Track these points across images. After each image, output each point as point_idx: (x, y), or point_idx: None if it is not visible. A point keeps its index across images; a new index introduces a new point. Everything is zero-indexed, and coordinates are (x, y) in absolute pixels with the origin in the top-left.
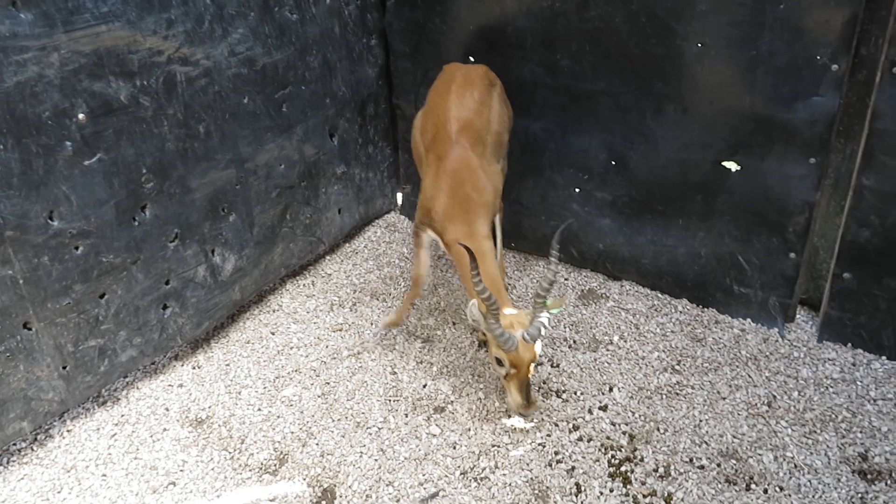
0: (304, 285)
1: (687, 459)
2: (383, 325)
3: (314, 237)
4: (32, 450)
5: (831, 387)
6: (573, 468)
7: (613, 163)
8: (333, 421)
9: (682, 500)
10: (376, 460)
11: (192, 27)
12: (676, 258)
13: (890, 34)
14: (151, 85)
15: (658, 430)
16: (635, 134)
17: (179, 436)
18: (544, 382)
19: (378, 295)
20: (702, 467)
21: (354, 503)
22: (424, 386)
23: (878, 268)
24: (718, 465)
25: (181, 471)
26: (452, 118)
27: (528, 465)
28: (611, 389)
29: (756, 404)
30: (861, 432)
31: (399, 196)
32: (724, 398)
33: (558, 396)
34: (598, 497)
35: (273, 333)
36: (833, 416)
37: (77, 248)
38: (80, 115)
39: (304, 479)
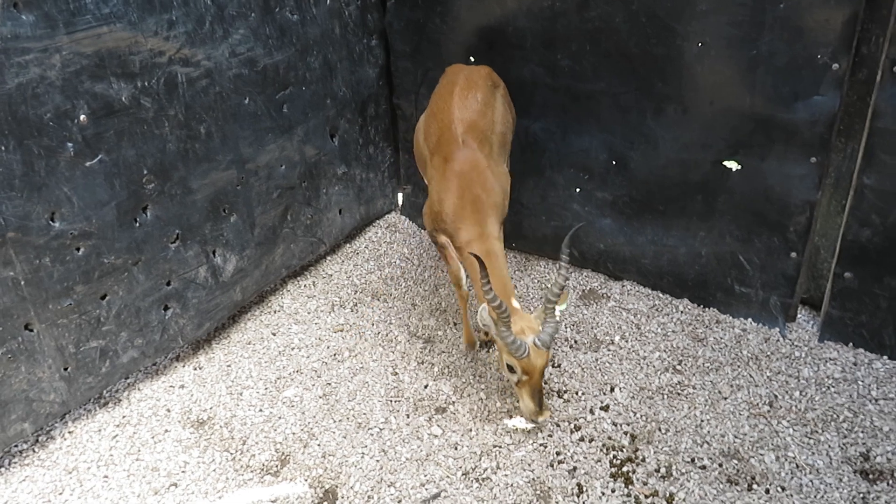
0: (305, 286)
1: (689, 459)
2: (466, 349)
3: (315, 238)
4: (34, 451)
5: (833, 386)
6: (575, 469)
7: (614, 163)
8: (335, 422)
9: (684, 500)
10: (378, 461)
11: (193, 28)
12: (677, 258)
13: (890, 33)
14: (153, 86)
15: (660, 430)
16: (636, 134)
17: (181, 437)
18: (545, 382)
19: (379, 295)
20: (703, 467)
21: None
22: (426, 386)
23: (879, 267)
24: (720, 466)
25: (183, 472)
26: (457, 119)
27: (529, 465)
28: (612, 389)
29: (757, 404)
30: (863, 432)
31: (400, 196)
32: (725, 398)
33: (560, 396)
34: (600, 497)
35: (274, 334)
36: (834, 415)
37: (78, 249)
38: (82, 117)
39: (306, 480)
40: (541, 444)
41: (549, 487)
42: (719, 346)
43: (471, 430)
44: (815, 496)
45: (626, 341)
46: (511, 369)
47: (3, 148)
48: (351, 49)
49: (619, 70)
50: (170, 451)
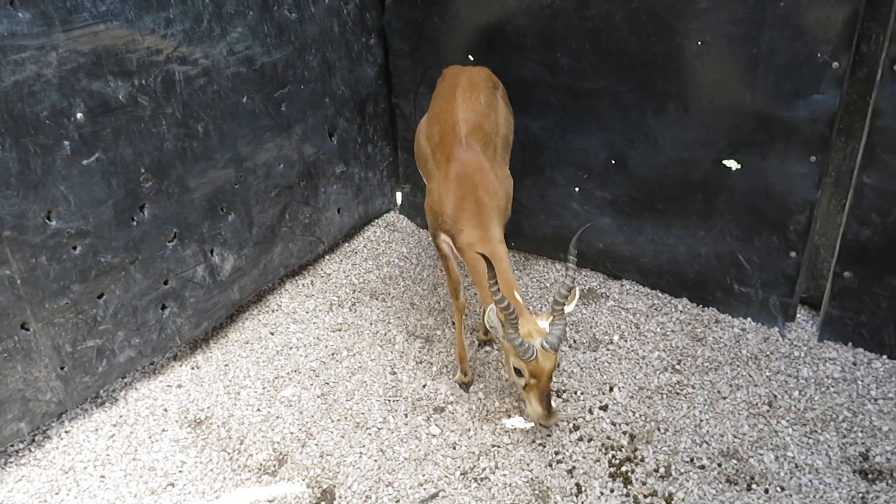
0: (303, 285)
1: (688, 459)
2: (458, 380)
3: (313, 237)
4: (30, 451)
5: (832, 386)
6: (573, 468)
7: (613, 162)
8: (333, 421)
9: (683, 500)
10: (376, 461)
11: (191, 26)
12: (677, 257)
13: (891, 31)
14: (150, 84)
15: (659, 429)
16: (635, 132)
17: (178, 436)
18: None
19: (377, 295)
20: (702, 467)
21: None
22: (424, 386)
23: (879, 266)
24: (719, 465)
25: (180, 472)
26: (461, 121)
27: (528, 465)
28: (611, 389)
29: (757, 404)
30: (862, 432)
31: (398, 195)
32: (724, 398)
33: (558, 396)
34: (599, 497)
35: (272, 333)
36: (834, 415)
37: (75, 248)
38: (79, 115)
39: (304, 480)
40: (539, 444)
41: (548, 487)
42: (718, 346)
43: (469, 430)
44: (815, 496)
45: (625, 341)
46: (518, 373)
47: None
48: (349, 48)
49: (619, 68)
50: (167, 450)
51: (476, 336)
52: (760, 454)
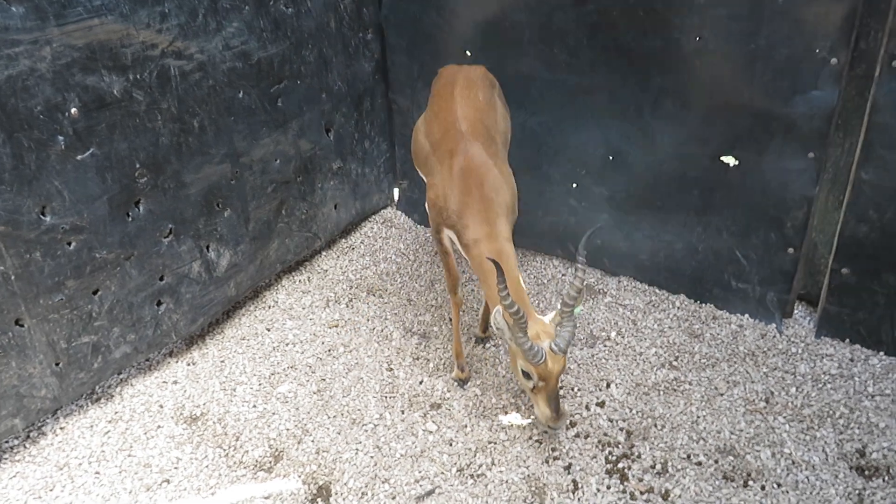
0: (299, 281)
1: (684, 456)
2: (455, 377)
3: (310, 233)
4: (25, 447)
5: (829, 383)
6: (570, 465)
7: (611, 158)
8: (329, 418)
9: (680, 496)
10: (372, 457)
11: (186, 21)
12: (674, 254)
13: (889, 28)
14: (145, 79)
15: (655, 426)
16: (633, 129)
17: (174, 433)
18: None
19: (374, 291)
20: (699, 464)
21: (350, 501)
22: (421, 382)
23: (876, 263)
24: (716, 462)
25: (175, 468)
26: (461, 118)
27: (524, 461)
28: (608, 386)
29: (754, 400)
30: (859, 428)
31: (396, 191)
32: (721, 394)
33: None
34: (595, 494)
35: (268, 330)
36: (831, 412)
37: (70, 243)
38: (73, 110)
39: (300, 477)
40: (536, 441)
41: (545, 484)
42: (716, 342)
43: (466, 427)
44: (811, 492)
45: (623, 337)
46: (527, 375)
47: None
48: (346, 43)
49: (616, 64)
50: (162, 447)
51: (473, 332)
52: (757, 451)
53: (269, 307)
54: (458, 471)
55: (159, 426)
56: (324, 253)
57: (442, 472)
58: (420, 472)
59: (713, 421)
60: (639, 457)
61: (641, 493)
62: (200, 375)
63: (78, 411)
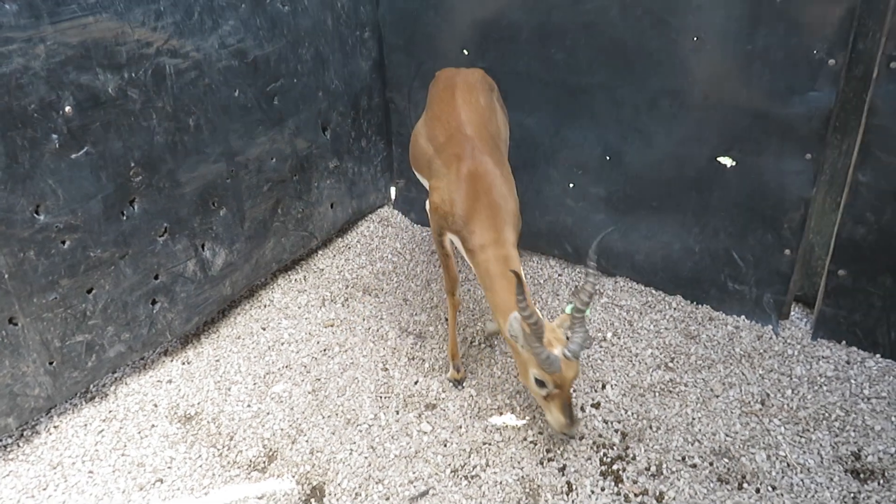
0: (295, 280)
1: (679, 458)
2: (451, 377)
3: (306, 232)
4: (18, 446)
5: (825, 385)
6: (565, 466)
7: (608, 158)
8: (323, 418)
9: (674, 499)
10: (366, 458)
11: (182, 19)
12: (671, 254)
13: (887, 29)
14: (140, 77)
15: (650, 427)
16: (630, 129)
17: (168, 432)
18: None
19: (370, 290)
20: (694, 466)
21: (343, 501)
22: (416, 382)
23: (873, 265)
24: (711, 464)
25: (169, 468)
26: (465, 122)
27: (519, 463)
28: (603, 387)
29: (749, 402)
30: (854, 431)
31: (393, 190)
32: (717, 396)
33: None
34: (590, 496)
35: (264, 329)
36: (826, 414)
37: (64, 242)
38: (67, 108)
39: (293, 477)
40: (531, 442)
41: (539, 485)
42: (712, 344)
43: (460, 427)
44: (806, 495)
45: (619, 338)
46: (540, 384)
47: None
48: (343, 41)
49: (613, 64)
50: (156, 446)
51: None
52: (752, 453)
53: (265, 306)
54: (452, 472)
55: (153, 425)
56: (320, 252)
57: (436, 473)
58: (414, 472)
59: (708, 423)
60: (634, 459)
61: (636, 495)
62: (195, 374)
63: (72, 410)
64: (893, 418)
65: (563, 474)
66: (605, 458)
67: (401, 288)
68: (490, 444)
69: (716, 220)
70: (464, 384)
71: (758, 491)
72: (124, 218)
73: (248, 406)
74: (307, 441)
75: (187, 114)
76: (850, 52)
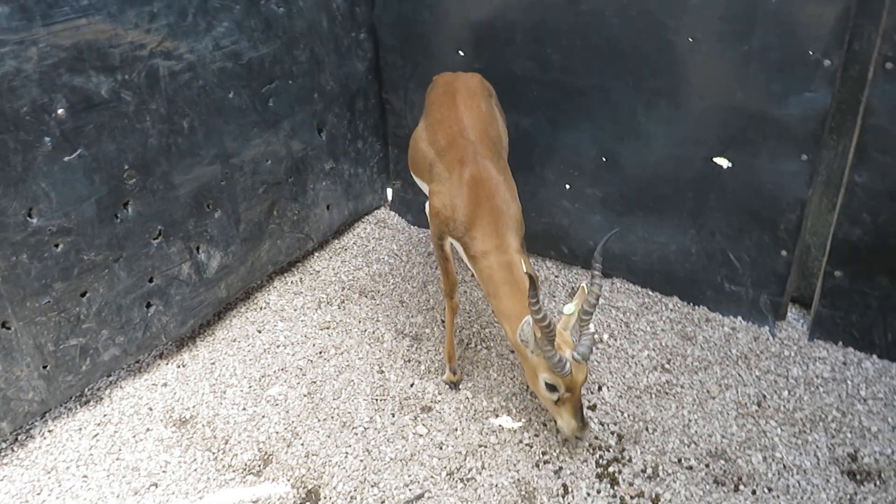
0: (291, 282)
1: (675, 460)
2: (447, 379)
3: (302, 234)
4: (12, 450)
5: (822, 386)
6: (560, 469)
7: (604, 159)
8: (319, 421)
9: (670, 501)
10: (362, 461)
11: (176, 20)
12: (667, 255)
13: (883, 29)
14: (133, 79)
15: (647, 429)
16: (626, 130)
17: (163, 436)
18: None
19: (367, 292)
20: (690, 468)
21: None
22: (412, 385)
23: (869, 266)
24: (707, 466)
25: (164, 472)
26: (468, 127)
27: (515, 465)
28: (600, 388)
29: (746, 404)
30: (851, 432)
31: (389, 192)
32: (713, 397)
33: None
34: (585, 498)
35: (259, 331)
36: (823, 415)
37: (57, 245)
38: (60, 111)
39: (289, 480)
40: (527, 444)
41: (535, 488)
42: (708, 345)
43: (456, 430)
44: (802, 497)
45: (615, 339)
46: (552, 388)
47: None
48: (339, 42)
49: (609, 65)
50: (151, 450)
51: (464, 336)
52: (749, 455)
53: (261, 309)
54: (447, 475)
55: (148, 429)
56: (316, 254)
57: (432, 476)
58: (410, 475)
59: (705, 425)
60: (630, 461)
61: (632, 497)
62: (190, 378)
63: (66, 414)
64: (890, 419)
65: (559, 477)
66: (601, 461)
67: (397, 290)
68: (486, 447)
69: (712, 222)
70: (460, 386)
71: (754, 493)
72: (118, 221)
73: (244, 409)
74: (302, 444)
75: (181, 116)
76: (845, 53)
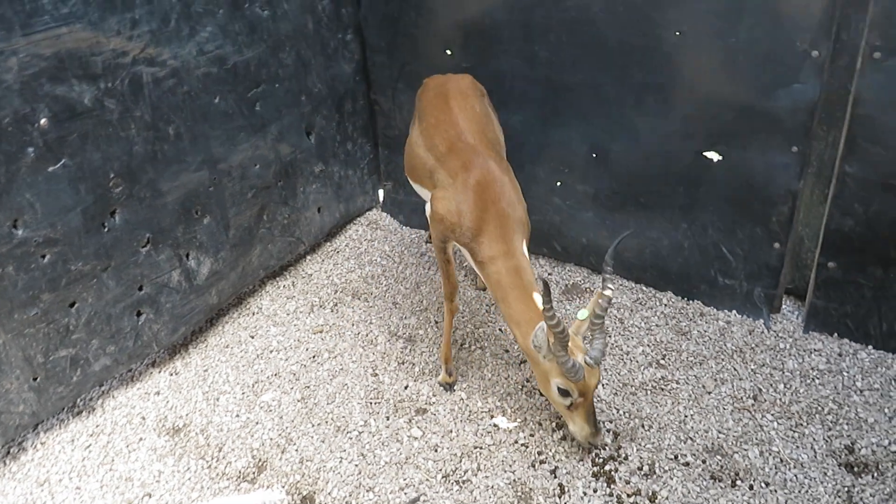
0: (284, 286)
1: (672, 456)
2: (442, 381)
3: (293, 237)
4: (5, 463)
5: (817, 378)
6: (556, 468)
7: (595, 155)
8: (313, 426)
9: (667, 498)
10: (356, 465)
11: (158, 26)
12: (660, 250)
13: (870, 19)
14: (117, 87)
15: (643, 426)
16: (616, 125)
17: (156, 445)
18: (528, 380)
19: (360, 294)
20: (687, 464)
21: None
22: (406, 387)
23: (862, 256)
24: (704, 462)
25: (157, 481)
26: (466, 130)
27: (510, 466)
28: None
29: (742, 398)
30: (847, 424)
31: (381, 193)
32: (709, 392)
33: (542, 395)
34: (582, 498)
35: (252, 337)
36: (819, 408)
37: (44, 256)
38: (43, 121)
39: (283, 487)
40: (522, 444)
41: (531, 489)
42: (703, 340)
43: (451, 432)
44: (800, 491)
45: (610, 336)
46: (565, 393)
47: None
48: (325, 44)
49: (597, 61)
50: (144, 460)
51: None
52: (745, 449)
53: (253, 314)
54: (443, 477)
55: (141, 438)
56: (308, 257)
57: (427, 479)
58: (405, 479)
59: (701, 420)
60: (626, 458)
61: (628, 495)
62: (183, 385)
63: (58, 425)
64: (886, 410)
65: (555, 476)
66: (596, 459)
67: (390, 291)
68: (481, 448)
69: (704, 215)
70: (454, 387)
71: (751, 488)
72: (105, 230)
73: (237, 416)
74: (297, 450)
75: (167, 122)
76: (833, 44)
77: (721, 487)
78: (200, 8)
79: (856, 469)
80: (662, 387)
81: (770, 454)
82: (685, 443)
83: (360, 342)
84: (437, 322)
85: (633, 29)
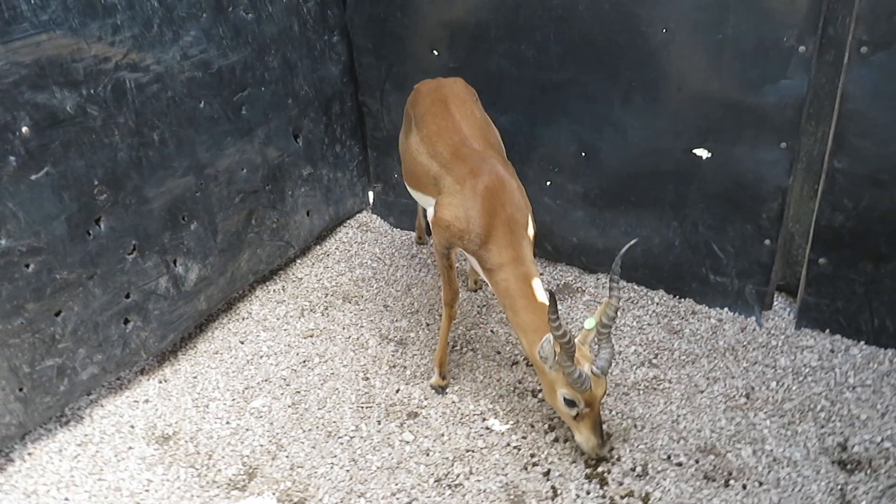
0: (274, 291)
1: (665, 457)
2: (434, 384)
3: (282, 241)
4: None
5: (810, 375)
6: (549, 471)
7: (584, 154)
8: (304, 431)
9: (661, 499)
10: (348, 471)
11: (140, 31)
12: (651, 249)
13: (857, 13)
14: (99, 93)
15: (635, 427)
16: (604, 124)
17: (145, 454)
18: (520, 382)
19: (350, 297)
20: (680, 464)
21: None
22: (397, 391)
23: (853, 252)
24: (697, 462)
25: (146, 491)
26: (468, 136)
27: (503, 469)
28: None
29: (734, 396)
30: (840, 421)
31: (371, 195)
32: (701, 391)
33: (534, 396)
34: (575, 500)
35: (242, 342)
36: (812, 405)
37: (28, 265)
38: (24, 129)
39: (274, 494)
40: (514, 447)
41: (523, 492)
42: (695, 338)
43: (443, 435)
44: (793, 489)
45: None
46: (571, 403)
47: None
48: (311, 46)
49: (584, 59)
50: (133, 469)
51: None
52: (738, 448)
53: (243, 319)
54: (435, 481)
55: (130, 447)
56: (298, 261)
57: (419, 484)
58: (397, 484)
59: (693, 419)
60: (619, 460)
61: (622, 497)
62: (172, 393)
63: (46, 435)
64: (878, 406)
65: (548, 479)
66: (590, 461)
67: (381, 294)
68: (473, 452)
69: (694, 213)
70: (447, 390)
71: (744, 487)
72: (90, 237)
73: (227, 423)
74: (287, 456)
75: (151, 128)
76: (820, 39)
77: (714, 487)
78: (184, 12)
79: (849, 466)
80: (655, 386)
81: (763, 453)
82: (678, 443)
83: (351, 346)
84: (428, 325)
85: (619, 27)
